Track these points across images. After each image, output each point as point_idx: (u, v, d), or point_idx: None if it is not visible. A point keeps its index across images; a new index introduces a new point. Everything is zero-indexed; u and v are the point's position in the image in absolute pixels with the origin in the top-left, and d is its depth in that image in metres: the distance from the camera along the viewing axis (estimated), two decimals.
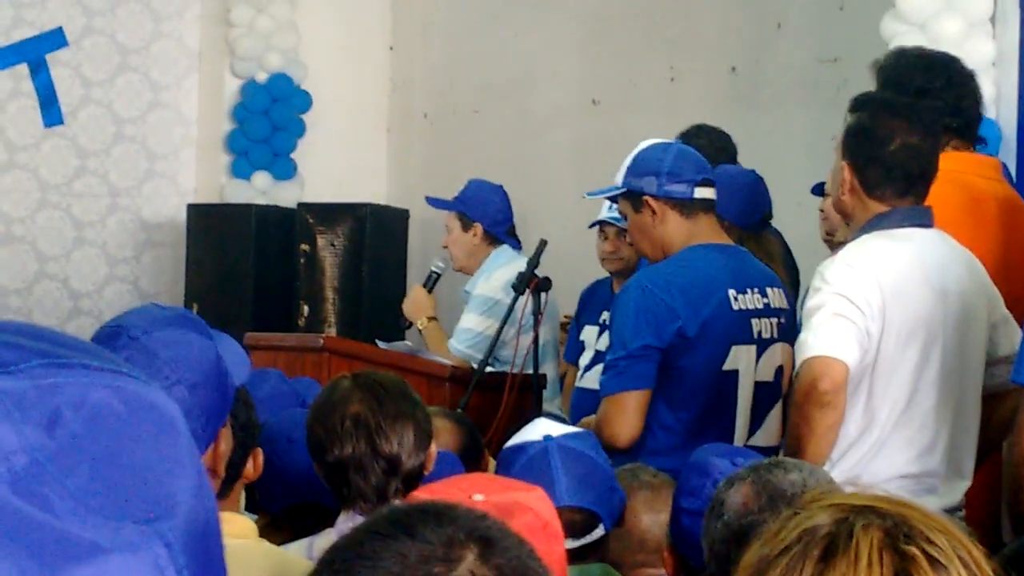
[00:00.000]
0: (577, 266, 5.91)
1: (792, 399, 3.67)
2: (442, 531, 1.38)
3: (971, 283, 3.69)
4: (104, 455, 0.84)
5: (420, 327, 5.85)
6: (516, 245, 5.87)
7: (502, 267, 5.70)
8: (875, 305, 3.52)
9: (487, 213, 5.86)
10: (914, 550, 1.37)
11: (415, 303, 5.89)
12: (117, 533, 0.81)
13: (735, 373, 4.17)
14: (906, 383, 3.56)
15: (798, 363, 3.60)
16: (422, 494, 2.37)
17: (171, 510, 0.85)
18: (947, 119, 4.18)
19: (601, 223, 5.67)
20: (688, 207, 4.25)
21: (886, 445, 3.56)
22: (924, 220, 3.69)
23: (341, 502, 3.06)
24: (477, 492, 2.30)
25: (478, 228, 5.83)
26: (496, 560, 1.37)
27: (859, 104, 3.79)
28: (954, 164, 4.15)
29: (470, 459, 3.75)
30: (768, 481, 2.48)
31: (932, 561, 1.36)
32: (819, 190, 5.07)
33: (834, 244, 4.68)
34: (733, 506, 2.47)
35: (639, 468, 3.40)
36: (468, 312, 5.73)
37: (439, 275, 5.86)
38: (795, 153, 6.59)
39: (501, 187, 5.99)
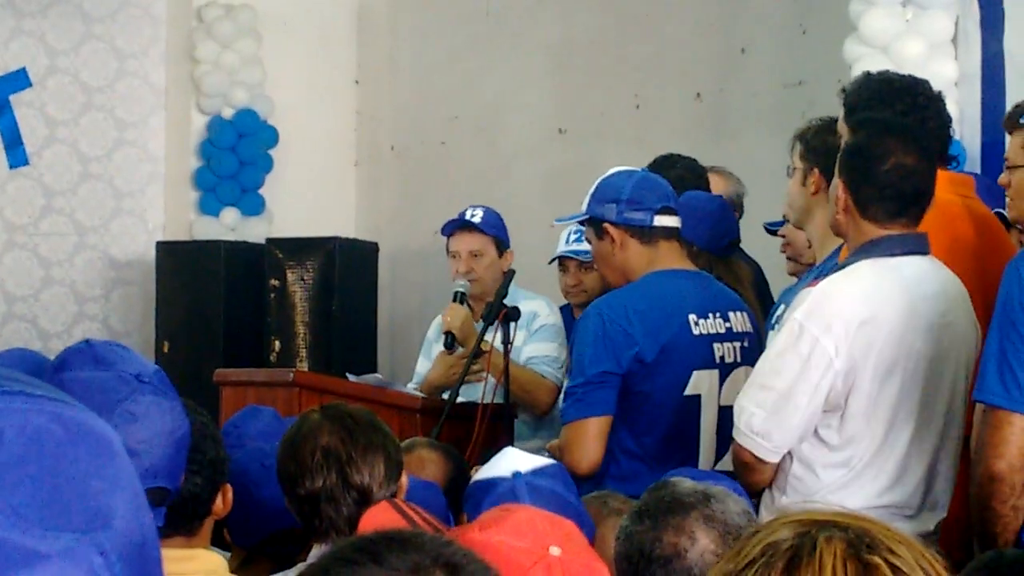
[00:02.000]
0: (547, 295, 5.91)
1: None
2: (408, 557, 1.38)
3: (961, 314, 3.68)
4: (44, 473, 0.91)
5: (484, 348, 5.26)
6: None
7: (540, 299, 5.63)
8: (850, 341, 3.50)
9: (508, 242, 5.77)
10: (877, 559, 1.37)
11: (467, 324, 5.40)
12: (56, 541, 0.88)
13: (697, 398, 4.18)
14: (885, 417, 3.55)
15: (738, 421, 3.62)
16: (486, 535, 2.35)
17: (108, 522, 0.91)
18: None
19: (560, 258, 5.65)
20: (648, 235, 4.26)
21: (861, 476, 3.56)
22: (918, 247, 3.66)
23: (312, 535, 3.06)
24: (554, 545, 2.32)
25: (510, 256, 5.72)
26: None
27: (858, 124, 3.80)
28: None
29: (457, 490, 3.73)
30: (724, 522, 2.53)
31: (895, 570, 1.37)
32: (772, 229, 5.09)
33: (802, 265, 4.70)
34: (702, 555, 2.51)
35: (608, 495, 3.39)
36: (543, 341, 5.50)
37: (466, 295, 5.64)
38: (762, 177, 6.61)
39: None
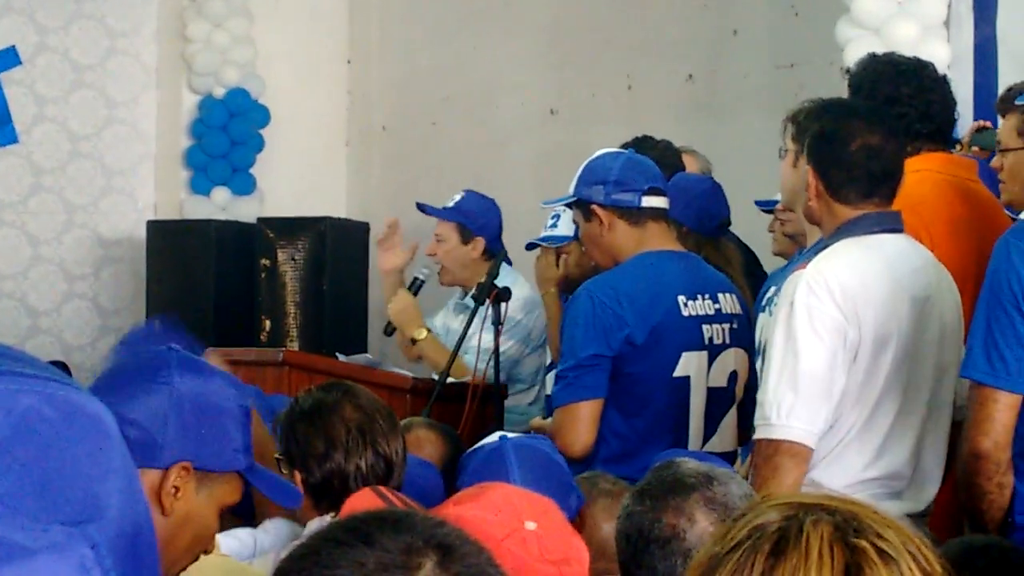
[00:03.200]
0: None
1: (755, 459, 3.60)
2: (400, 538, 1.38)
3: (944, 289, 3.69)
4: (33, 459, 0.87)
5: (416, 337, 5.56)
6: (509, 262, 5.78)
7: (515, 286, 5.60)
8: (854, 313, 3.49)
9: (489, 227, 5.77)
10: (864, 543, 1.37)
11: (406, 311, 5.60)
12: (44, 535, 0.84)
13: (687, 379, 4.17)
14: (878, 389, 3.55)
15: (759, 428, 3.50)
16: (460, 509, 2.35)
17: (99, 512, 0.87)
18: (917, 125, 4.20)
19: (533, 244, 5.58)
20: (636, 216, 4.26)
21: (849, 448, 3.55)
22: (894, 225, 3.67)
23: (316, 508, 3.09)
24: (529, 520, 2.32)
25: (480, 243, 5.71)
26: (455, 567, 1.38)
27: (820, 110, 3.80)
28: (927, 164, 4.16)
29: (454, 470, 3.74)
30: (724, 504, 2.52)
31: (882, 554, 1.37)
32: (767, 208, 5.09)
33: (791, 244, 4.69)
34: (701, 536, 2.50)
35: (598, 475, 3.40)
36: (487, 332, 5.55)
37: (423, 282, 5.72)
38: (753, 159, 6.60)
39: (494, 201, 5.91)
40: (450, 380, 5.19)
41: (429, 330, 5.65)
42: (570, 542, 2.35)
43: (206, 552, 2.29)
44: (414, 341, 5.58)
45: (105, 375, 2.29)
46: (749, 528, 1.40)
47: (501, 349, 5.23)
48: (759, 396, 3.54)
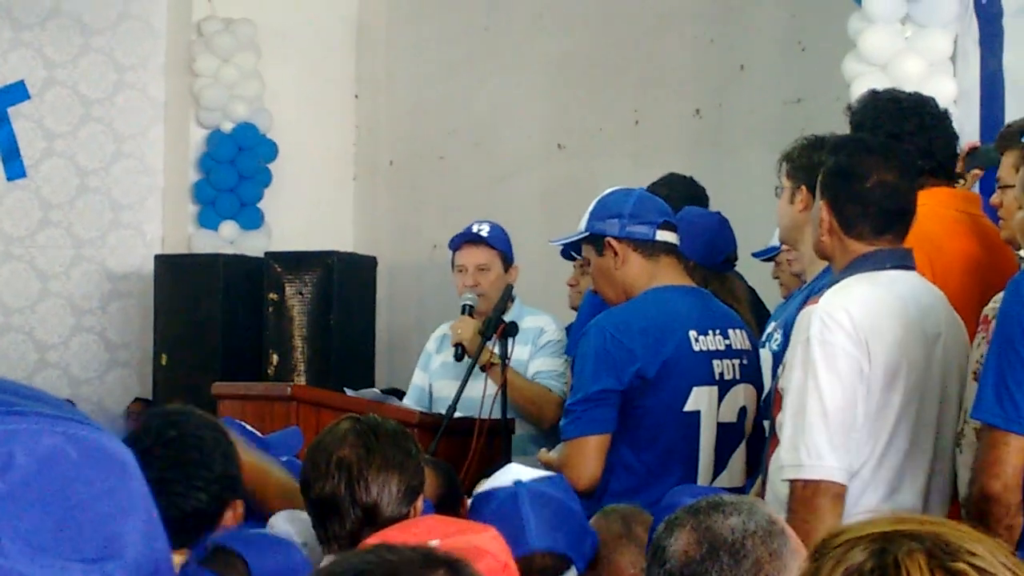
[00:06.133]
0: (544, 310, 5.90)
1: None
2: (418, 551, 1.50)
3: (954, 328, 3.68)
4: (55, 497, 0.88)
5: (493, 361, 5.32)
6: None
7: (544, 314, 5.63)
8: (866, 348, 3.49)
9: (513, 256, 5.77)
10: (962, 566, 1.36)
11: (477, 337, 5.35)
12: (62, 572, 0.86)
13: (697, 414, 4.18)
14: (889, 426, 3.54)
15: (784, 462, 3.45)
16: (375, 540, 2.36)
17: (119, 551, 0.89)
18: (920, 161, 4.20)
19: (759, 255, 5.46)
20: (650, 249, 4.27)
21: (862, 485, 3.54)
22: (906, 262, 3.67)
23: (321, 543, 3.06)
24: (432, 538, 2.29)
25: (515, 271, 5.72)
26: (464, 574, 1.48)
27: (835, 146, 3.80)
28: (932, 199, 4.17)
29: (448, 506, 3.73)
30: (708, 528, 2.44)
31: (981, 572, 1.36)
32: (767, 256, 5.09)
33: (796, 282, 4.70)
34: (674, 554, 2.44)
35: (634, 516, 3.29)
36: (549, 356, 5.50)
37: (473, 307, 5.64)
38: (760, 195, 6.61)
39: None
40: (457, 415, 5.19)
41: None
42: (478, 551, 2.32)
43: None
44: (487, 367, 5.46)
45: None
46: (842, 571, 1.38)
47: (564, 373, 5.33)
48: (782, 437, 3.51)
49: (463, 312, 5.52)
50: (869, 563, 1.37)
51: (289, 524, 3.17)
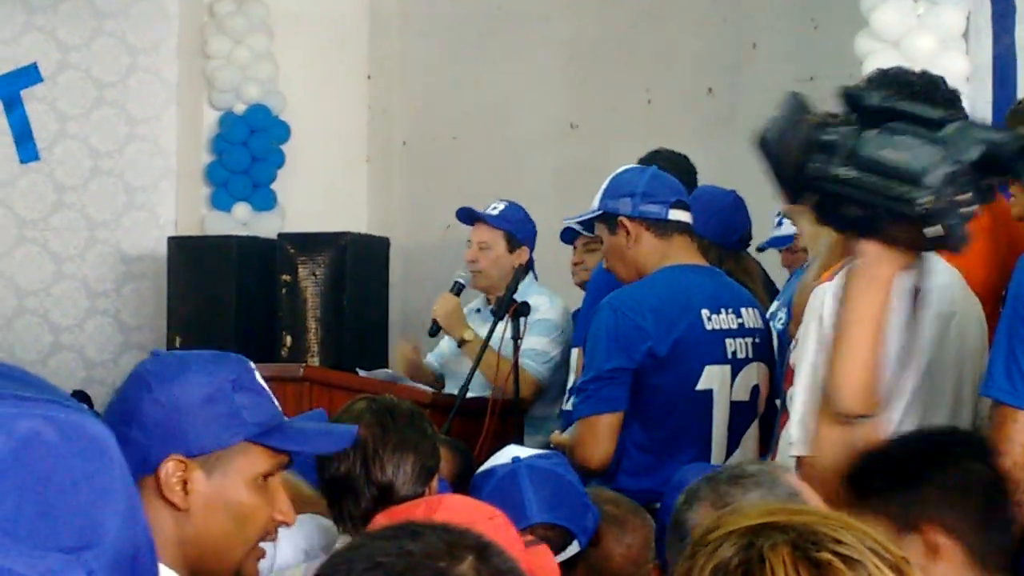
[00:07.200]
0: (558, 290, 5.90)
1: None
2: (443, 537, 1.48)
3: (969, 306, 3.67)
4: (32, 485, 0.86)
5: (465, 338, 5.49)
6: (536, 275, 5.78)
7: (546, 294, 5.63)
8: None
9: (531, 239, 5.76)
10: (826, 555, 1.36)
11: (453, 314, 5.54)
12: (41, 562, 0.83)
13: (709, 393, 4.17)
14: (901, 405, 3.53)
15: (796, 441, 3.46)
16: (384, 519, 2.36)
17: (97, 538, 0.86)
18: None
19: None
20: (662, 228, 4.27)
21: None
22: None
23: (336, 523, 3.07)
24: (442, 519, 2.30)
25: (524, 252, 5.68)
26: (491, 564, 1.47)
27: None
28: None
29: (465, 486, 3.74)
30: (727, 503, 2.44)
31: (846, 560, 1.36)
32: (772, 245, 5.07)
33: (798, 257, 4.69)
34: (696, 528, 2.43)
35: (598, 493, 3.32)
36: (535, 335, 5.51)
37: (463, 286, 5.68)
38: None
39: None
40: (470, 395, 5.19)
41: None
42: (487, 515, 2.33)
43: (286, 524, 2.29)
44: (461, 343, 5.54)
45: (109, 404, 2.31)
46: (711, 568, 1.39)
47: (552, 354, 5.31)
48: (792, 411, 3.49)
49: (451, 288, 5.57)
50: (736, 558, 1.38)
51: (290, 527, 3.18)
